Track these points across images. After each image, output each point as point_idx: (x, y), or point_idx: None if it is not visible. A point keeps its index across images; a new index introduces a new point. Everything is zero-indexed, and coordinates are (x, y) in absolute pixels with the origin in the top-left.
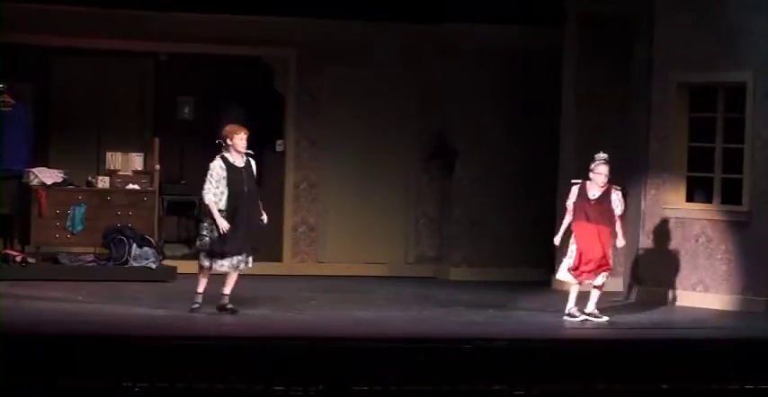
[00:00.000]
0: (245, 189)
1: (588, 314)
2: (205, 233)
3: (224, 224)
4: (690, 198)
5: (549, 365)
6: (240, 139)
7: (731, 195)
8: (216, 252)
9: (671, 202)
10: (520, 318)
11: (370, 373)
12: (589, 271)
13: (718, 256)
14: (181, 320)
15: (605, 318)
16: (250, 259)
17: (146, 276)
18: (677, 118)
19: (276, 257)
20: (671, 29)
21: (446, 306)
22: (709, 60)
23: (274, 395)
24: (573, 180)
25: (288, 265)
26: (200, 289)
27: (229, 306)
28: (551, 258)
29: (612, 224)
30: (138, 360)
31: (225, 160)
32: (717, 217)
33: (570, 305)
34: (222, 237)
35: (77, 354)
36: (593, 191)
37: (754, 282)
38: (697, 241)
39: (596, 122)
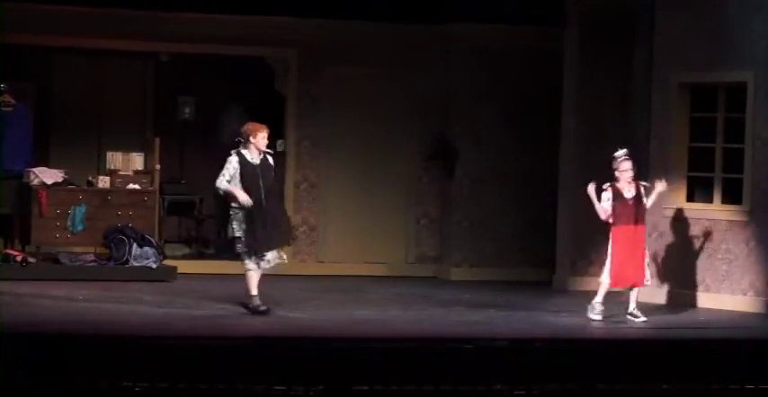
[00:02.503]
0: (261, 185)
1: (630, 314)
2: (238, 234)
3: (243, 197)
4: (690, 198)
5: (549, 365)
6: (263, 137)
7: (732, 195)
8: (253, 247)
9: (671, 202)
10: (520, 318)
11: (370, 373)
12: (626, 280)
13: (719, 256)
14: (181, 320)
15: (644, 318)
16: (281, 254)
17: (146, 275)
18: (678, 118)
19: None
20: (671, 29)
21: (447, 306)
22: (709, 60)
23: (274, 395)
24: (603, 185)
25: (288, 265)
26: (254, 292)
27: (262, 308)
28: (552, 258)
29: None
30: (138, 360)
31: (241, 156)
32: (717, 217)
33: (598, 299)
34: (252, 233)
35: (78, 354)
36: (627, 190)
37: (755, 282)
38: (697, 241)
39: (597, 122)
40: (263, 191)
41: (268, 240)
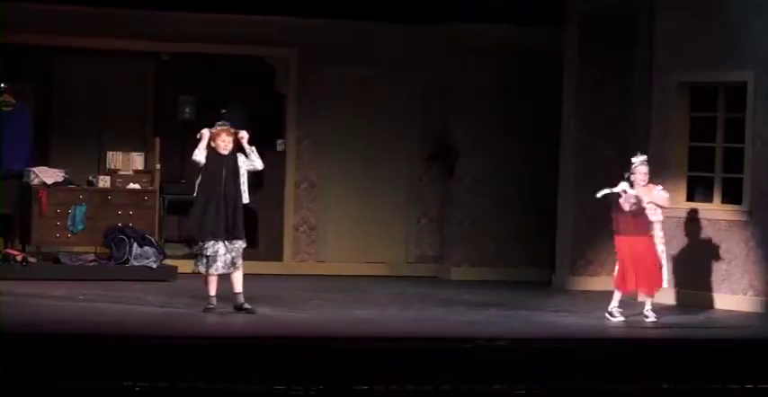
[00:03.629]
0: (223, 177)
1: (643, 314)
2: (197, 251)
3: (204, 132)
4: (690, 198)
5: (549, 365)
6: (222, 140)
7: (732, 194)
8: (195, 230)
9: (671, 202)
10: (520, 318)
11: (371, 373)
12: (641, 285)
13: (719, 256)
14: (181, 320)
15: (653, 319)
16: (239, 260)
17: (146, 275)
18: (678, 117)
19: (276, 256)
20: (671, 28)
21: (447, 306)
22: (709, 60)
23: (274, 395)
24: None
25: (288, 264)
26: (212, 292)
27: (246, 306)
28: (552, 258)
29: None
30: (138, 360)
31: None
32: (717, 217)
33: (613, 305)
34: (197, 222)
35: (77, 354)
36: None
37: (755, 282)
38: (697, 241)
39: (597, 122)
40: (223, 184)
41: (213, 227)
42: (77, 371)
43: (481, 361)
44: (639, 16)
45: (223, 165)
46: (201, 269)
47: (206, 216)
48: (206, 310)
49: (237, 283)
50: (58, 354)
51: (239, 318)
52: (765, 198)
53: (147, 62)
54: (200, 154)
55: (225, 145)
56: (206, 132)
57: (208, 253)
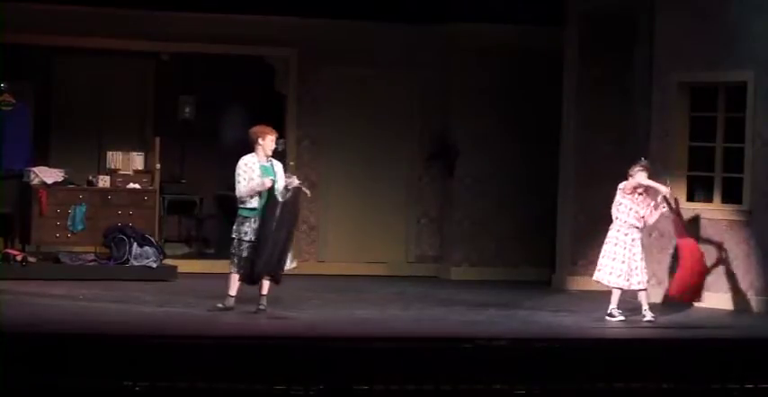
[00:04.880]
0: (276, 215)
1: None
2: (234, 235)
3: (266, 182)
4: (690, 198)
5: (549, 365)
6: (271, 140)
7: (732, 194)
8: (244, 271)
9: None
10: (520, 317)
11: (371, 373)
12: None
13: (719, 256)
14: (181, 320)
15: (650, 317)
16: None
17: (146, 275)
18: (678, 117)
19: None
20: (671, 28)
21: (447, 306)
22: (709, 60)
23: (274, 395)
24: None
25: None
26: (233, 292)
27: (261, 307)
28: (552, 258)
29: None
30: (138, 360)
31: (250, 159)
32: (717, 217)
33: (613, 306)
34: (253, 255)
35: (77, 354)
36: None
37: (755, 282)
38: (697, 240)
39: (597, 122)
40: (275, 223)
41: (252, 271)
42: (77, 371)
43: (481, 361)
44: (639, 16)
45: (278, 206)
46: (234, 268)
47: (254, 258)
48: (213, 308)
49: (265, 286)
50: (58, 354)
51: (239, 318)
52: (765, 198)
53: (147, 62)
54: (246, 192)
55: (273, 145)
56: (268, 183)
57: (244, 255)
